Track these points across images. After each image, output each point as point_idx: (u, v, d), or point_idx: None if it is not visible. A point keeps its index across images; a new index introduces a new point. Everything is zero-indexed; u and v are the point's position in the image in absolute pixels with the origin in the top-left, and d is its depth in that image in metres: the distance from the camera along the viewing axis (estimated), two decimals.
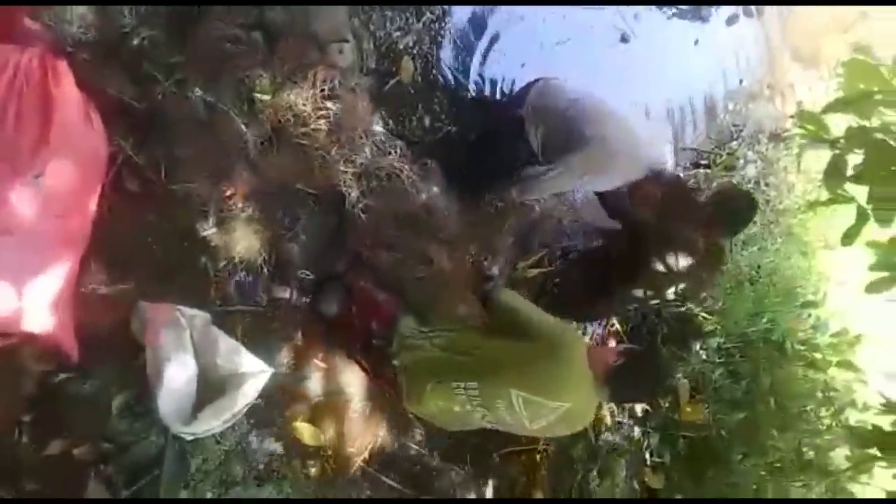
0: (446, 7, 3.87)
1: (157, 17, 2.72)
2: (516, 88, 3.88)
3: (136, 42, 2.64)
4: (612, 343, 4.12)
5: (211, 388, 2.46)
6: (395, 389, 2.79)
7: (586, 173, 3.32)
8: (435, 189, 3.52)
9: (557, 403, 2.42)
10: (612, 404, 4.10)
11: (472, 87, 3.99)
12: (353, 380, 3.15)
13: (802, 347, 4.95)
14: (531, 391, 2.42)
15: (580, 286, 3.83)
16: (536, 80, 3.50)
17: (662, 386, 2.70)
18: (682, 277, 3.47)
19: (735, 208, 3.42)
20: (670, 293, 3.77)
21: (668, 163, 3.52)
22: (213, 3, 2.86)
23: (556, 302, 3.82)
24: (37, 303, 2.22)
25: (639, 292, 3.63)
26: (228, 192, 2.83)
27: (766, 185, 5.38)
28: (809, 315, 5.23)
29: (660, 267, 3.39)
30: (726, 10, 5.26)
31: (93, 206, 2.39)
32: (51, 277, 2.25)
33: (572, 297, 3.85)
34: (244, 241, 2.90)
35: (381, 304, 2.86)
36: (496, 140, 3.73)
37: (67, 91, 2.24)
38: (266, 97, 2.87)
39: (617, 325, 4.36)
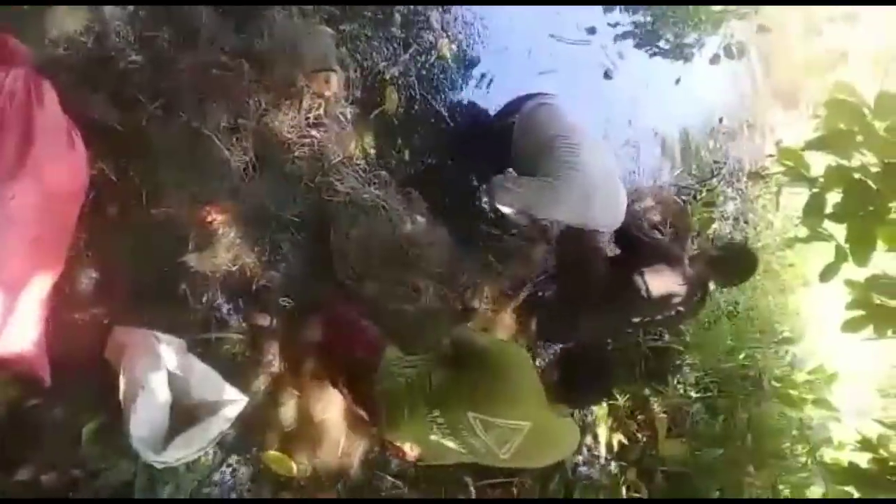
0: (432, 39, 3.91)
1: (145, 40, 2.73)
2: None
3: (122, 65, 2.63)
4: None
5: (184, 415, 2.42)
6: (375, 418, 2.79)
7: (539, 204, 3.38)
8: (419, 218, 3.53)
9: (515, 422, 2.45)
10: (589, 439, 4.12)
11: (455, 116, 4.01)
12: (330, 408, 3.12)
13: (779, 384, 4.99)
14: (485, 412, 2.46)
15: (560, 307, 3.85)
16: (534, 95, 3.54)
17: (610, 379, 2.73)
18: (661, 306, 3.51)
19: (741, 266, 3.53)
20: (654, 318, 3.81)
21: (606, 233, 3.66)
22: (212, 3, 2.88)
23: (540, 324, 3.86)
24: (10, 325, 2.18)
25: (629, 317, 3.67)
26: (209, 218, 2.81)
27: (745, 222, 5.46)
28: (787, 351, 5.28)
29: (641, 292, 3.44)
30: (709, 50, 5.37)
31: (71, 228, 2.37)
32: (25, 301, 2.21)
33: (553, 319, 3.87)
34: (224, 268, 2.88)
35: (365, 332, 2.84)
36: (480, 143, 3.82)
37: (51, 113, 2.23)
38: (250, 123, 2.87)
39: None
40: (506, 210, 3.46)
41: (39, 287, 2.25)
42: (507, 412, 2.46)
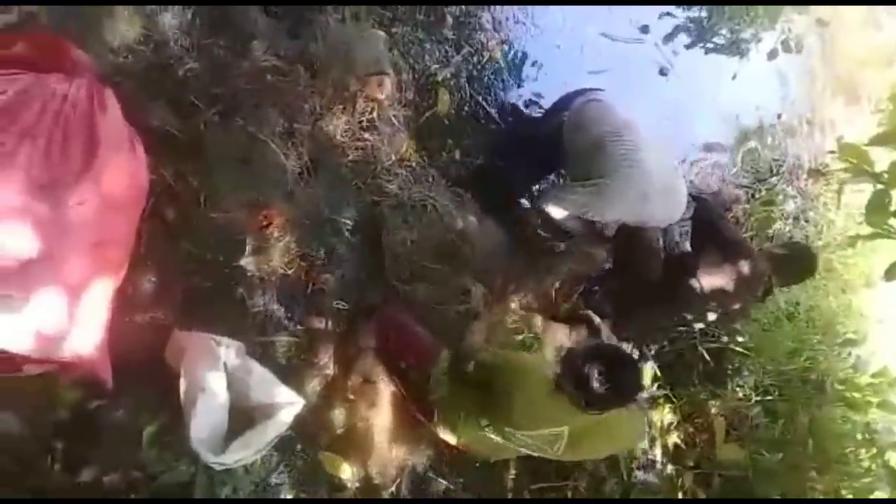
0: (484, 39, 3.89)
1: (202, 48, 2.77)
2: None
3: (180, 73, 2.68)
4: None
5: (243, 417, 2.45)
6: (431, 419, 2.81)
7: (595, 206, 3.33)
8: (471, 218, 3.52)
9: (549, 431, 2.46)
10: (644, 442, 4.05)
11: (506, 117, 3.99)
12: (385, 412, 3.12)
13: (842, 387, 4.83)
14: (516, 427, 2.50)
15: (615, 300, 3.80)
16: (582, 91, 3.49)
17: (626, 376, 2.51)
18: (719, 303, 3.44)
19: (802, 265, 3.54)
20: (708, 317, 3.72)
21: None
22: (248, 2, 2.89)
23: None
24: (76, 328, 2.23)
25: (680, 314, 3.60)
26: (266, 222, 2.84)
27: (806, 220, 5.29)
28: (849, 353, 5.11)
29: (697, 288, 3.39)
30: (766, 45, 5.23)
31: (132, 233, 2.41)
32: (88, 304, 2.26)
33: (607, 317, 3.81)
34: (280, 271, 2.91)
35: (418, 338, 2.84)
36: (531, 144, 3.78)
37: (113, 120, 2.27)
38: (305, 127, 2.89)
39: None
40: (560, 216, 3.42)
41: (102, 291, 2.30)
42: (533, 425, 2.48)
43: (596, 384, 2.33)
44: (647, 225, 3.40)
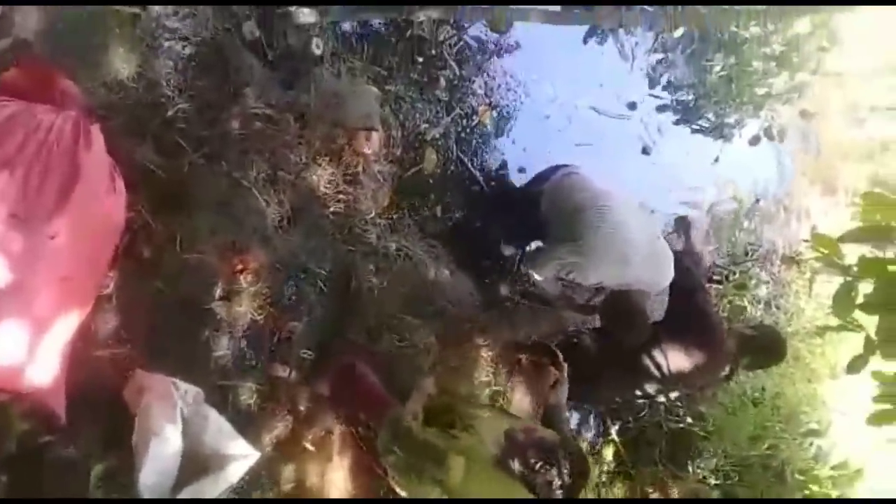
0: (475, 104, 3.96)
1: (194, 89, 2.79)
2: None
3: (170, 112, 2.69)
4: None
5: (194, 465, 2.40)
6: (386, 473, 2.73)
7: (576, 268, 3.35)
8: (444, 271, 3.55)
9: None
10: None
11: (489, 181, 4.05)
12: (344, 464, 3.08)
13: (802, 477, 4.84)
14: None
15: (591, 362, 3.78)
16: (561, 166, 3.55)
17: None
18: (683, 376, 3.46)
19: (772, 350, 3.55)
20: (669, 394, 3.73)
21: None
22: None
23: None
24: (35, 361, 2.20)
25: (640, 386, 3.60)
26: (240, 267, 2.83)
27: (777, 307, 5.36)
28: (811, 444, 5.12)
29: (658, 359, 3.40)
30: (749, 130, 5.35)
31: (103, 268, 2.39)
32: (52, 336, 2.23)
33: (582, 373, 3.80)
34: (249, 316, 2.89)
35: (372, 390, 2.79)
36: (510, 209, 3.84)
37: (96, 156, 2.26)
38: (289, 176, 2.91)
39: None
40: (544, 277, 3.45)
41: (66, 324, 2.27)
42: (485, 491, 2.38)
43: (540, 479, 2.29)
44: (632, 287, 3.42)
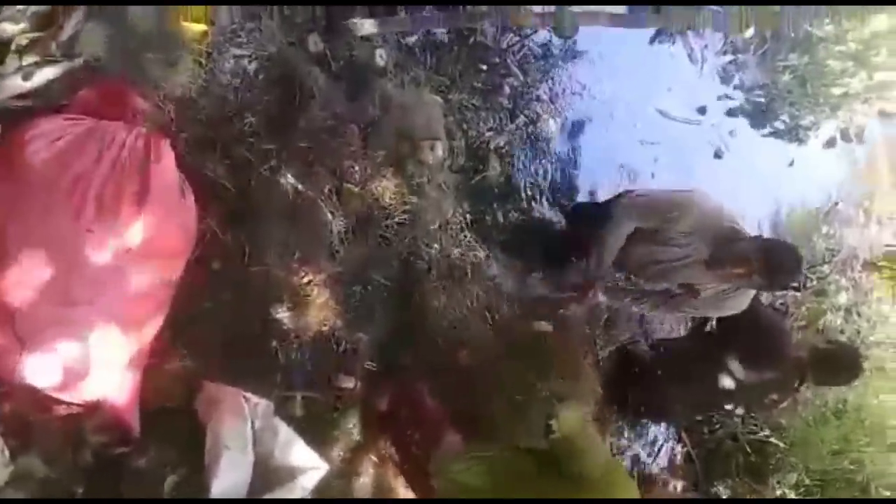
0: (539, 110, 3.91)
1: (261, 103, 2.81)
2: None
3: (237, 126, 2.72)
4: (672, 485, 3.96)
5: (264, 478, 2.40)
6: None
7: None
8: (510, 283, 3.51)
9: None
10: None
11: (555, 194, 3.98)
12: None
13: (888, 493, 4.62)
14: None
15: (656, 377, 3.68)
16: (627, 192, 3.45)
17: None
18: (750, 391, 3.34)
19: (843, 368, 3.39)
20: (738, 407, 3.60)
21: None
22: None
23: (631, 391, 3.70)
24: (111, 373, 2.24)
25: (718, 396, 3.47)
26: (306, 278, 2.84)
27: (858, 314, 5.13)
28: None
29: (728, 372, 3.29)
30: (825, 133, 5.17)
31: (175, 281, 2.42)
32: (126, 349, 2.27)
33: (647, 388, 3.69)
34: (315, 328, 2.89)
35: (428, 413, 2.75)
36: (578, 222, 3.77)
37: (166, 171, 2.30)
38: (355, 189, 2.91)
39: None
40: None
41: (139, 337, 2.30)
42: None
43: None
44: None
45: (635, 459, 4.10)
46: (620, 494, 2.15)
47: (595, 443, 2.29)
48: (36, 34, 2.32)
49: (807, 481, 4.39)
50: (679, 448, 4.22)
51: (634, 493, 2.26)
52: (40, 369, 2.11)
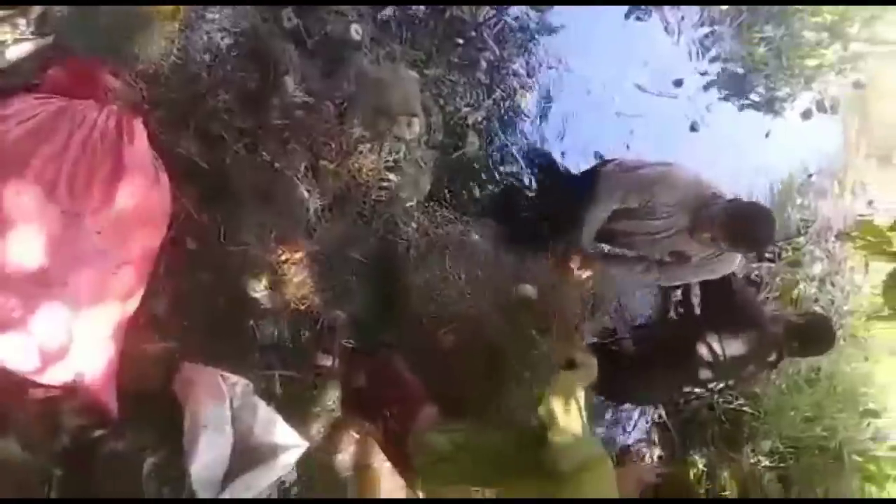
0: (516, 84, 3.89)
1: (234, 80, 2.77)
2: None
3: (211, 103, 2.68)
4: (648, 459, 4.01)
5: (244, 457, 2.40)
6: (408, 477, 2.68)
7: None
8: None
9: None
10: None
11: (533, 166, 3.98)
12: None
13: (860, 458, 4.72)
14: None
15: (639, 363, 3.71)
16: (610, 160, 3.45)
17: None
18: (730, 366, 3.37)
19: (817, 340, 3.41)
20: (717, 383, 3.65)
21: None
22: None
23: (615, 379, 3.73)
24: (86, 354, 2.22)
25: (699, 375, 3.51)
26: (284, 256, 2.82)
27: (832, 284, 5.19)
28: (869, 424, 4.98)
29: (707, 352, 3.30)
30: (801, 104, 5.19)
31: (149, 260, 2.40)
32: (101, 330, 2.25)
33: (631, 375, 3.72)
34: (293, 306, 2.89)
35: (406, 387, 2.76)
36: (556, 192, 3.75)
37: (139, 151, 2.28)
38: (330, 165, 2.89)
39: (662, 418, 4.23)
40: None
41: (113, 318, 2.29)
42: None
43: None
44: None
45: (611, 431, 4.18)
46: (592, 492, 2.09)
47: (578, 430, 2.23)
48: (6, 11, 2.28)
49: (781, 448, 4.46)
50: (655, 418, 4.27)
51: (610, 493, 2.15)
52: (15, 351, 2.10)
